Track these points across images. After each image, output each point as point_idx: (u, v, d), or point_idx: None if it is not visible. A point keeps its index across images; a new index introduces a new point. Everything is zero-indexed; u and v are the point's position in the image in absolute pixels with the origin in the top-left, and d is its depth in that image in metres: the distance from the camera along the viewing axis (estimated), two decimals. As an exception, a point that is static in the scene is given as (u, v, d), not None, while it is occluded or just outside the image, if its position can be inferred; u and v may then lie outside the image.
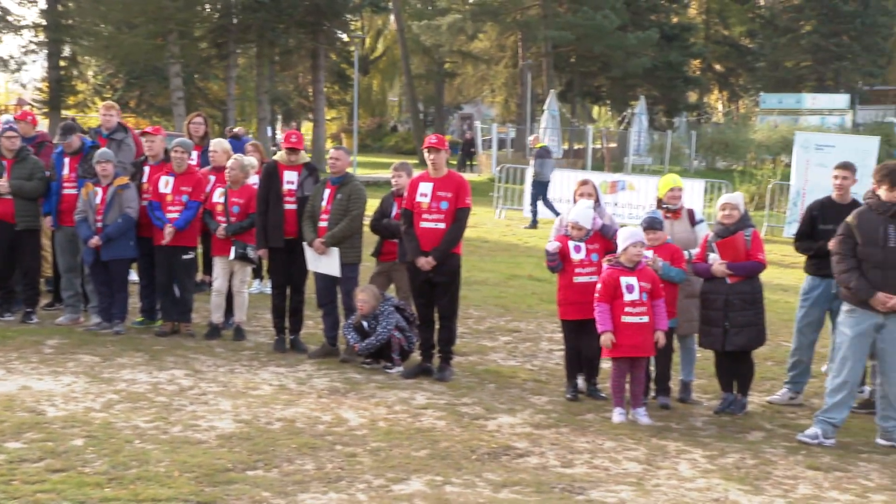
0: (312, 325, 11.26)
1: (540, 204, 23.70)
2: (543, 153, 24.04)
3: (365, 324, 9.77)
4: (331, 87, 50.55)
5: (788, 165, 25.39)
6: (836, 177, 8.91)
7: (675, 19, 53.77)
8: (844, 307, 7.95)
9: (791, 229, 22.14)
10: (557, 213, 23.56)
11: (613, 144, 42.86)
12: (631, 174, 30.10)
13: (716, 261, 8.56)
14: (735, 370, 8.78)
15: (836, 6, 54.21)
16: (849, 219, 7.90)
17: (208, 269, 11.88)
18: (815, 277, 8.99)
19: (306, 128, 52.39)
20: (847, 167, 8.93)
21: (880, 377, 7.98)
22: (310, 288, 10.58)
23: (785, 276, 16.76)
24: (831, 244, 8.06)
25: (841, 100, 50.51)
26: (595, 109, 68.61)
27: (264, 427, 7.62)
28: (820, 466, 7.25)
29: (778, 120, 44.45)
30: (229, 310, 10.94)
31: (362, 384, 9.14)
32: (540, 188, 23.71)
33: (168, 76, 38.10)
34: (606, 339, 8.21)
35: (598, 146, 41.71)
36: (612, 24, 42.13)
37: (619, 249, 8.36)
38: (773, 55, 58.25)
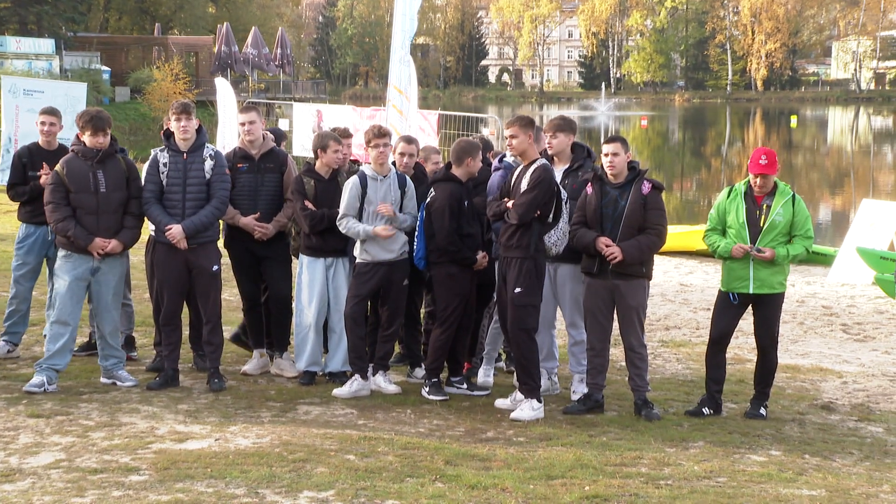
0: None
1: None
2: None
3: None
4: None
5: (-4, 110, 24.45)
6: (43, 122, 8.83)
7: None
8: (61, 253, 8.00)
9: (5, 177, 21.47)
10: None
11: None
12: None
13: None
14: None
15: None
16: (58, 167, 7.95)
17: None
18: (31, 225, 8.89)
19: None
20: (54, 112, 8.88)
21: (96, 318, 8.21)
22: None
23: (1, 224, 16.29)
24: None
25: (46, 44, 49.99)
26: None
27: None
28: (42, 413, 7.24)
29: (-17, 62, 42.61)
30: None
31: None
32: None
33: None
34: None
35: None
36: None
37: None
38: (-30, -5, 55.47)
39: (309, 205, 8.23)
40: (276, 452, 6.51)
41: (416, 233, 8.12)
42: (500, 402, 7.90)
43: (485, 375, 8.58)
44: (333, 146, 8.36)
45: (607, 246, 7.51)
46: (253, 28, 60.94)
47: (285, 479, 6.02)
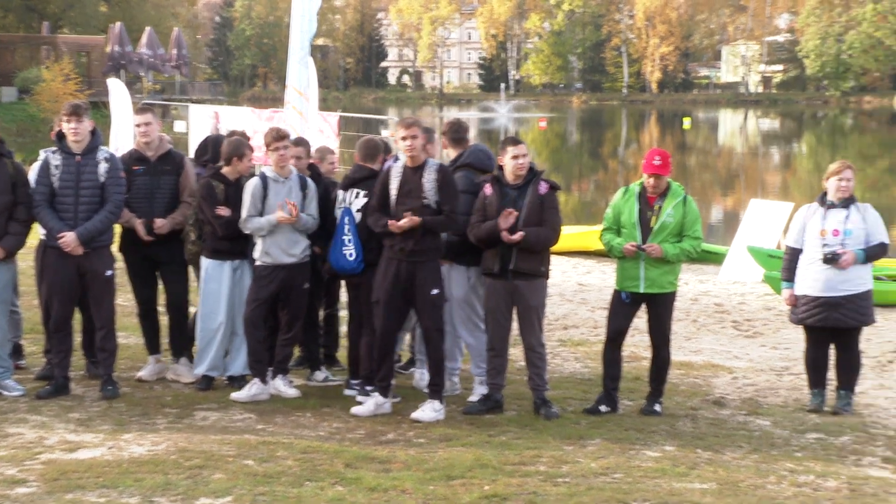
0: None
1: None
2: None
3: None
4: None
5: None
6: None
7: None
8: None
9: None
10: None
11: None
12: None
13: None
14: None
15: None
16: None
17: None
18: None
19: None
20: None
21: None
22: None
23: None
24: None
25: None
26: None
27: None
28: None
29: None
30: None
31: None
32: None
33: None
34: None
35: None
36: None
37: None
38: None
39: (222, 211, 8.08)
40: (172, 459, 6.41)
41: (349, 237, 7.89)
42: (357, 409, 7.74)
43: (421, 379, 8.44)
44: (249, 155, 8.31)
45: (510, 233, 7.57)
46: (147, 28, 59.89)
47: (181, 487, 5.92)
